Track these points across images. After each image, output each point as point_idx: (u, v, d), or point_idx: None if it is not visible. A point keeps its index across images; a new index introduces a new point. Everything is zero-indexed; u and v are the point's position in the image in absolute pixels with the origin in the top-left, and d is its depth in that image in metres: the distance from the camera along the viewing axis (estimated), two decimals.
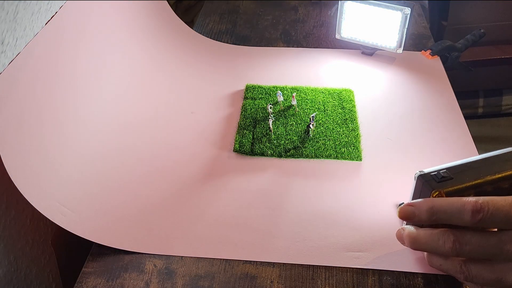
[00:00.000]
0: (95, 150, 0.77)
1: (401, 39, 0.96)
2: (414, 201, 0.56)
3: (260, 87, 0.93)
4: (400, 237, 0.59)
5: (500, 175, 0.55)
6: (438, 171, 0.56)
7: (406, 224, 0.59)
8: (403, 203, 0.60)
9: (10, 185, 0.60)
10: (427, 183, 0.55)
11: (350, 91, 0.92)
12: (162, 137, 0.83)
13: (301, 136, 0.81)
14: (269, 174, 0.76)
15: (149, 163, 0.78)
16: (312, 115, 0.81)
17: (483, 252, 0.51)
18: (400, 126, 0.85)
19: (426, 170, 0.57)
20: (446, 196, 0.54)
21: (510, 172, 0.55)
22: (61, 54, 0.74)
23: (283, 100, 0.89)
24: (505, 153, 0.58)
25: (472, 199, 0.50)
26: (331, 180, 0.75)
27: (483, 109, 1.29)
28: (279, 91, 0.89)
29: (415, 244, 0.56)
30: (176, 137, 0.83)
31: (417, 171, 0.57)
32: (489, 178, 0.55)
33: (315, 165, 0.77)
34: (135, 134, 0.83)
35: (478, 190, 0.55)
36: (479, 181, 0.55)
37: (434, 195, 0.54)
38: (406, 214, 0.56)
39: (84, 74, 0.80)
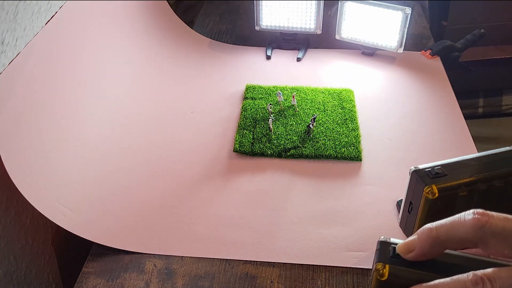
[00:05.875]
0: (95, 150, 0.77)
1: (402, 39, 0.96)
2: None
3: (260, 87, 0.93)
4: None
5: (494, 174, 0.55)
6: (433, 167, 0.56)
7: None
8: (402, 199, 0.60)
9: (10, 185, 0.60)
10: (421, 179, 0.55)
11: (350, 91, 0.92)
12: (162, 137, 0.83)
13: (301, 136, 0.81)
14: (269, 174, 0.76)
15: (149, 163, 0.78)
16: (314, 116, 0.81)
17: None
18: (400, 126, 0.85)
19: (421, 166, 0.57)
20: (438, 192, 0.54)
21: (505, 171, 0.55)
22: (61, 54, 0.74)
23: (283, 100, 0.88)
24: (501, 152, 0.58)
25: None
26: (331, 180, 0.75)
27: (483, 109, 1.29)
28: (279, 91, 0.89)
29: None
30: (176, 137, 0.83)
31: (412, 167, 0.57)
32: (483, 176, 0.55)
33: (315, 165, 0.77)
34: (135, 134, 0.83)
35: (471, 188, 0.55)
36: (473, 178, 0.55)
37: (426, 191, 0.54)
38: None
39: (84, 74, 0.80)
